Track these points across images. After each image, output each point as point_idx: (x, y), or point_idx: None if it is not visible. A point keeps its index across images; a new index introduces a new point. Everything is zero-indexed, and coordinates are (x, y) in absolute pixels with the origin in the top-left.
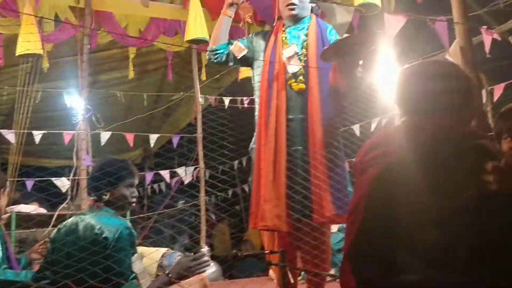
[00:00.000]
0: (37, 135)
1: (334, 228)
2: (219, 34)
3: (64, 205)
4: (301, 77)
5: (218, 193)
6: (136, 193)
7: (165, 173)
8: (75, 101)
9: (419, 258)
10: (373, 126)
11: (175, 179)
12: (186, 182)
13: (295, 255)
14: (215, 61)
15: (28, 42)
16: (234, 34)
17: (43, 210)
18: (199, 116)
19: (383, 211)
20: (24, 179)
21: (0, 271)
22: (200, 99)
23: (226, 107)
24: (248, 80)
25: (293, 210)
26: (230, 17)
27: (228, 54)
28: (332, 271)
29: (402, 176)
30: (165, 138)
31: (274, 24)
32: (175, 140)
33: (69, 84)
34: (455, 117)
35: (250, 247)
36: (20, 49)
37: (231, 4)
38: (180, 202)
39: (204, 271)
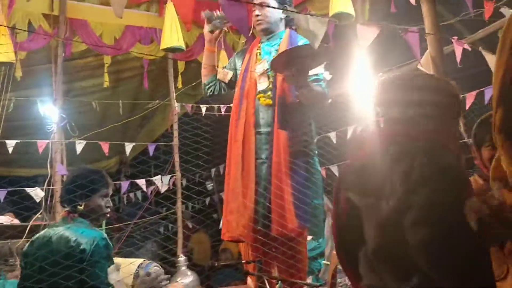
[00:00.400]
0: (10, 145)
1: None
2: (206, 69)
3: (38, 215)
4: (269, 93)
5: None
6: (111, 204)
7: (141, 182)
8: (49, 110)
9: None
10: (349, 133)
11: (151, 188)
12: (162, 190)
13: (271, 265)
14: (210, 94)
15: (0, 51)
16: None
17: (17, 221)
18: (175, 124)
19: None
20: None
21: None
22: (176, 107)
23: (203, 114)
24: None
25: (257, 222)
26: (213, 52)
27: (219, 83)
28: (309, 279)
29: (358, 179)
30: (141, 146)
31: (250, 34)
32: (151, 149)
33: (43, 92)
34: (428, 127)
35: (229, 256)
36: None
37: (211, 40)
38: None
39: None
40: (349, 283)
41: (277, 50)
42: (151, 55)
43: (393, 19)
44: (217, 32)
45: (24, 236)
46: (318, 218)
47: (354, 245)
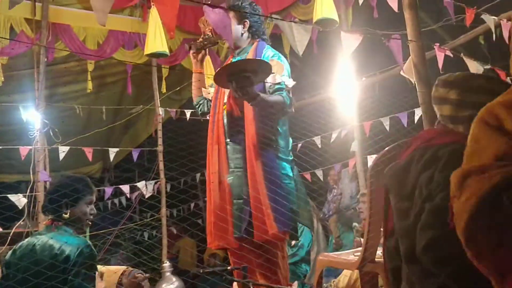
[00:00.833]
0: None
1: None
2: (194, 90)
3: (20, 222)
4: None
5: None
6: (95, 211)
7: (125, 187)
8: (32, 116)
9: None
10: (333, 136)
11: (135, 193)
12: (147, 196)
13: (254, 271)
14: (200, 112)
15: None
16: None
17: None
18: (160, 129)
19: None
20: None
21: None
22: (160, 112)
23: (187, 119)
24: None
25: (239, 229)
26: (201, 73)
27: (206, 101)
28: (295, 285)
29: (397, 181)
30: (125, 151)
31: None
32: (135, 154)
33: (25, 97)
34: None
35: (218, 261)
36: None
37: (196, 62)
38: None
39: None
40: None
41: None
42: (135, 63)
43: (376, 24)
44: (201, 54)
45: (7, 244)
46: (295, 222)
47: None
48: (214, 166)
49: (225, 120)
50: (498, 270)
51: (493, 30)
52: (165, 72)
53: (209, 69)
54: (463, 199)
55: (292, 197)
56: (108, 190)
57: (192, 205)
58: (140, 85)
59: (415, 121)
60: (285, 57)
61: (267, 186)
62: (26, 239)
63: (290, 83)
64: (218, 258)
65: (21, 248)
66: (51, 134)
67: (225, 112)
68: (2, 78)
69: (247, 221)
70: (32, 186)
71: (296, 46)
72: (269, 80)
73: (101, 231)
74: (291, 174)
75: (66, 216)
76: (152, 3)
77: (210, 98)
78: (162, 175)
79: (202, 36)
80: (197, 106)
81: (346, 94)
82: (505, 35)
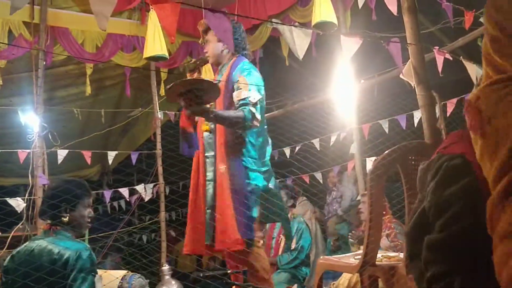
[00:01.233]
0: None
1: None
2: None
3: (19, 226)
4: None
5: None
6: (93, 213)
7: (124, 190)
8: (30, 119)
9: None
10: (332, 139)
11: (134, 196)
12: (146, 199)
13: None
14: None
15: None
16: (193, 49)
17: None
18: (158, 132)
19: None
20: None
21: None
22: (159, 115)
23: None
24: None
25: (208, 237)
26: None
27: None
28: (294, 287)
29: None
30: (123, 154)
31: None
32: (134, 157)
33: (24, 101)
34: None
35: (218, 264)
36: None
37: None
38: None
39: None
40: None
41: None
42: (134, 66)
43: (374, 27)
44: (195, 74)
45: (5, 248)
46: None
47: None
48: (194, 178)
49: (205, 134)
50: None
51: None
52: (163, 75)
53: (209, 74)
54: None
55: (255, 207)
56: (107, 194)
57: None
58: (138, 88)
59: (415, 124)
60: (284, 59)
61: (232, 197)
62: (24, 244)
63: (255, 98)
64: (218, 261)
65: (19, 253)
66: (50, 137)
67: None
68: (1, 81)
69: (211, 230)
70: (31, 189)
71: (296, 50)
72: (235, 95)
73: (100, 234)
74: (260, 185)
75: (66, 220)
76: (150, 6)
77: None
78: (161, 178)
79: (200, 39)
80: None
81: (345, 97)
82: None
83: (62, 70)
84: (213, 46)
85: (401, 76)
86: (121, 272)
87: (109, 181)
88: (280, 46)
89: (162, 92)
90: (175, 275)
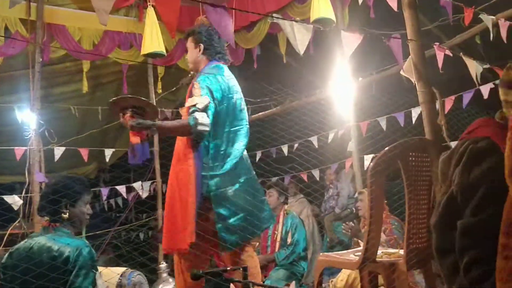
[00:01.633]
0: None
1: None
2: None
3: (16, 223)
4: None
5: None
6: (91, 210)
7: (121, 188)
8: (27, 116)
9: None
10: (330, 136)
11: (131, 194)
12: (144, 196)
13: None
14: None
15: None
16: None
17: None
18: None
19: None
20: None
21: None
22: None
23: None
24: None
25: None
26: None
27: None
28: (292, 284)
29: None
30: (120, 152)
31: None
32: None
33: (20, 98)
34: None
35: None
36: None
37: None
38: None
39: None
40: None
41: None
42: (131, 61)
43: (372, 24)
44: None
45: (2, 245)
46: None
47: None
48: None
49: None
50: None
51: (490, 29)
52: (160, 72)
53: None
54: None
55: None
56: (104, 191)
57: None
58: (135, 86)
59: (413, 121)
60: (281, 56)
61: (180, 201)
62: (23, 241)
63: (203, 103)
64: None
65: (18, 250)
66: (46, 134)
67: None
68: None
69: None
70: (28, 187)
71: (297, 46)
72: (187, 103)
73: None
74: (213, 189)
75: (66, 216)
76: (148, 3)
77: None
78: (158, 176)
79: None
80: None
81: (343, 94)
82: (503, 34)
83: (59, 67)
84: (190, 53)
85: (401, 72)
86: (120, 269)
87: (105, 178)
88: (278, 44)
89: (159, 89)
90: (172, 273)
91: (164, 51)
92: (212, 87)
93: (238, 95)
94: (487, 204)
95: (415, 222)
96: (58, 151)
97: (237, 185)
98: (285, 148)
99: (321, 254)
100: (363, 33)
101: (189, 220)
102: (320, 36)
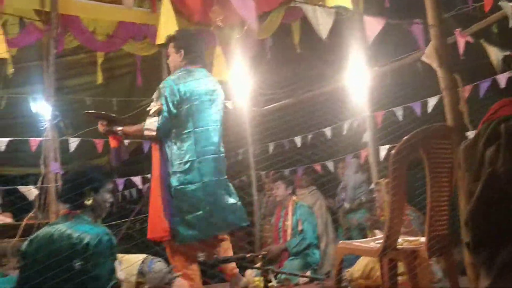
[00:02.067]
0: (2, 144)
1: None
2: None
3: (31, 214)
4: None
5: None
6: (112, 199)
7: (137, 179)
8: (41, 107)
9: None
10: (345, 127)
11: (147, 185)
12: None
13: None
14: None
15: None
16: (205, 38)
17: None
18: None
19: None
20: None
21: None
22: None
23: None
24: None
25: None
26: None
27: None
28: (308, 273)
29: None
30: (135, 143)
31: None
32: (146, 146)
33: (34, 89)
34: None
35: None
36: None
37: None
38: None
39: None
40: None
41: None
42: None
43: (386, 14)
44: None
45: (17, 236)
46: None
47: None
48: None
49: None
50: None
51: (509, 16)
52: None
53: (221, 58)
54: None
55: (173, 206)
56: (119, 182)
57: None
58: (149, 77)
59: (428, 111)
60: (295, 47)
61: (155, 195)
62: (42, 229)
63: (153, 108)
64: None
65: (38, 238)
66: (62, 125)
67: None
68: (12, 69)
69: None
70: (43, 178)
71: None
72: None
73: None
74: (174, 185)
75: (89, 203)
76: None
77: None
78: None
79: (212, 26)
80: None
81: (358, 84)
82: None
83: (73, 58)
84: (172, 58)
85: (422, 58)
86: (141, 256)
87: (119, 169)
88: (291, 34)
89: None
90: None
91: None
92: (167, 93)
93: (206, 97)
94: None
95: (437, 209)
96: (73, 143)
97: (198, 184)
98: (298, 140)
99: (340, 242)
100: (384, 18)
101: (160, 213)
102: (335, 26)
